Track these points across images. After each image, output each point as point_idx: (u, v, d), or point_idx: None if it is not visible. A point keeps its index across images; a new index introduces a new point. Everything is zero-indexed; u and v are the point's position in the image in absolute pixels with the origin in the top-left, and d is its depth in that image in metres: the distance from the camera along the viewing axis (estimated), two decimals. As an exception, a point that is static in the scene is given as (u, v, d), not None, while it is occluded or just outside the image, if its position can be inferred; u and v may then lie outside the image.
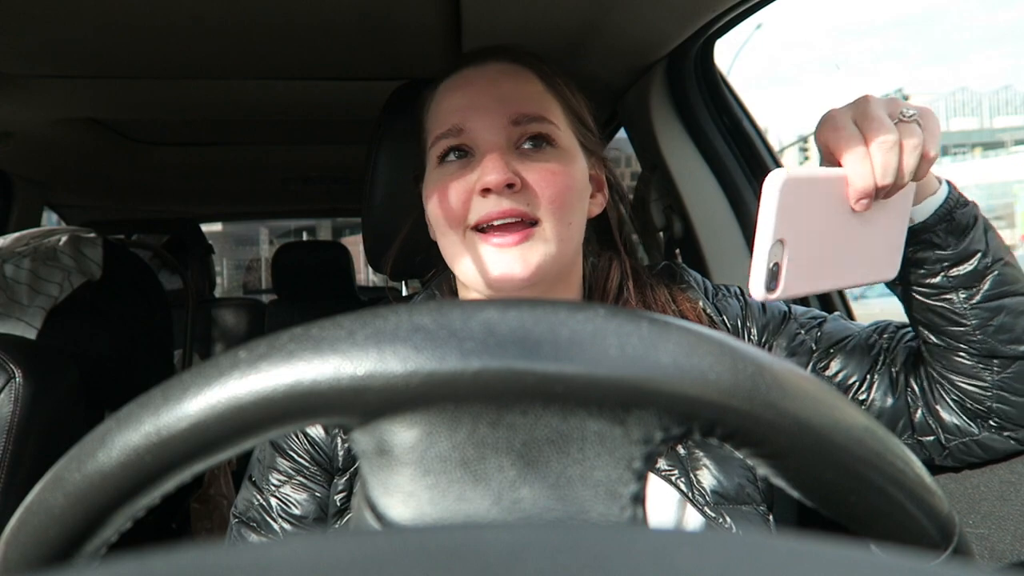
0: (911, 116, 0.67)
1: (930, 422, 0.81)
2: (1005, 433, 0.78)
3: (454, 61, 0.88)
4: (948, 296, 0.76)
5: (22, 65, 1.45)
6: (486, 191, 0.77)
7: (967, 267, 0.75)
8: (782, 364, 0.31)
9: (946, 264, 0.75)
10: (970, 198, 0.75)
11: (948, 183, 0.75)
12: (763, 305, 0.90)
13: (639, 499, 0.31)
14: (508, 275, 0.77)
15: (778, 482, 0.33)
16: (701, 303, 0.88)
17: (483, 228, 0.78)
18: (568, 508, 0.30)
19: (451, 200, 0.79)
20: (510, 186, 0.77)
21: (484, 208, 0.78)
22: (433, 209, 0.82)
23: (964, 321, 0.75)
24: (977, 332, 0.75)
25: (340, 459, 0.83)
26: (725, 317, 0.88)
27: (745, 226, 1.49)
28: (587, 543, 0.20)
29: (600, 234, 0.92)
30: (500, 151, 0.78)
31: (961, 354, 0.77)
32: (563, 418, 0.30)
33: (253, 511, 0.84)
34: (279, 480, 0.83)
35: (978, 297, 0.75)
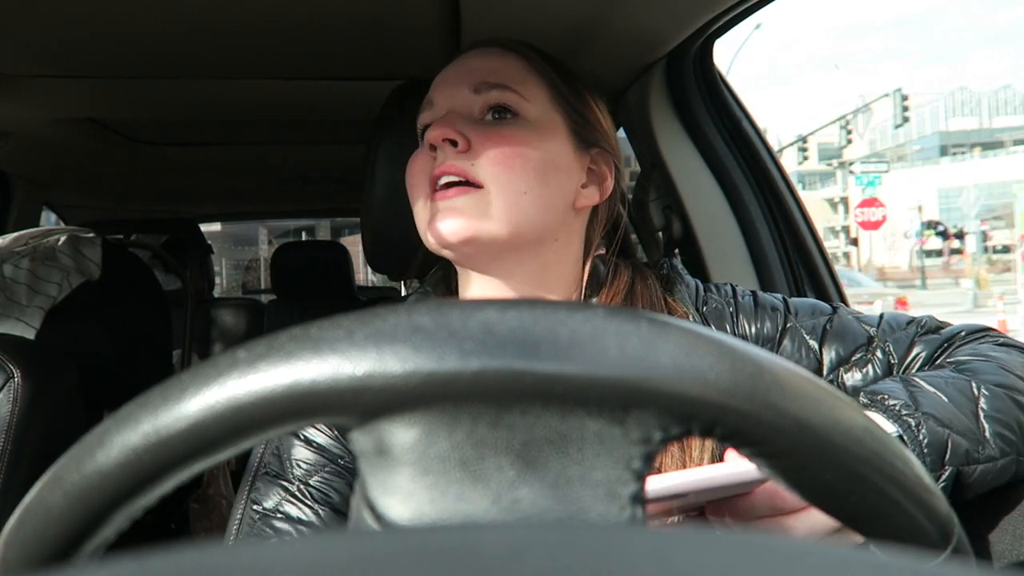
0: None
1: None
2: None
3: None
4: None
5: (21, 65, 1.45)
6: (432, 148, 0.78)
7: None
8: (782, 364, 0.31)
9: None
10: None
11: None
12: (757, 306, 0.88)
13: (638, 499, 0.31)
14: (444, 234, 0.77)
15: (778, 482, 0.33)
16: (689, 307, 0.87)
17: (436, 190, 0.79)
18: (567, 508, 0.30)
19: (415, 170, 0.81)
20: (454, 144, 0.77)
21: (432, 167, 0.78)
22: (407, 186, 0.83)
23: None
24: None
25: None
26: (712, 323, 0.87)
27: (744, 226, 1.49)
28: (586, 543, 0.20)
29: (605, 237, 0.92)
30: (450, 111, 0.80)
31: None
32: (562, 418, 0.30)
33: (283, 501, 0.79)
34: (309, 468, 0.80)
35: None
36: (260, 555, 0.20)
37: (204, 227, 3.90)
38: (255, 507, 0.81)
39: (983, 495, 0.75)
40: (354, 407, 0.29)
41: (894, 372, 0.82)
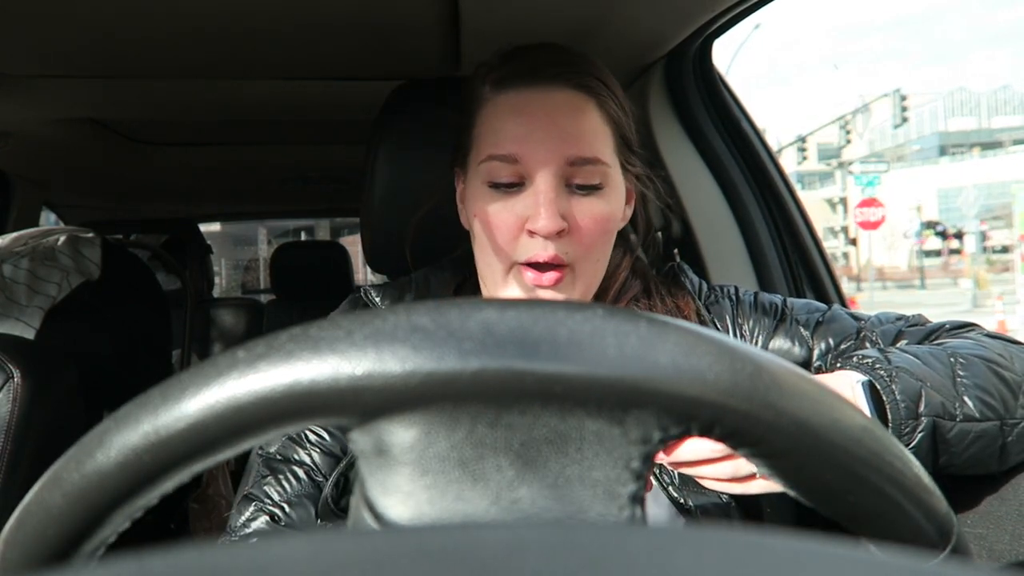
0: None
1: None
2: None
3: (512, 60, 0.84)
4: None
5: (20, 65, 1.45)
6: (534, 233, 0.79)
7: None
8: (781, 364, 0.31)
9: None
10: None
11: None
12: (757, 304, 0.90)
13: (637, 499, 0.31)
14: None
15: (777, 482, 0.33)
16: (694, 305, 0.89)
17: (524, 263, 0.81)
18: (566, 508, 0.30)
19: (502, 231, 0.81)
20: (559, 232, 0.78)
21: (531, 250, 0.79)
22: (480, 232, 0.83)
23: None
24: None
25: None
26: (715, 319, 0.89)
27: (743, 226, 1.49)
28: (585, 543, 0.20)
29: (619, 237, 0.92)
30: (554, 194, 0.79)
31: None
32: (561, 418, 0.30)
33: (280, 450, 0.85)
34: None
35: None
36: (260, 555, 0.20)
37: (203, 227, 3.90)
38: (260, 450, 0.86)
39: (982, 495, 0.76)
40: (353, 407, 0.29)
41: None
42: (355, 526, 0.32)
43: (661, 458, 0.61)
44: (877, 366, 0.69)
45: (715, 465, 0.61)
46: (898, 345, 0.78)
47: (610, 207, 0.82)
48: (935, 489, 0.35)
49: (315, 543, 0.20)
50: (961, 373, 0.71)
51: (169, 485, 0.31)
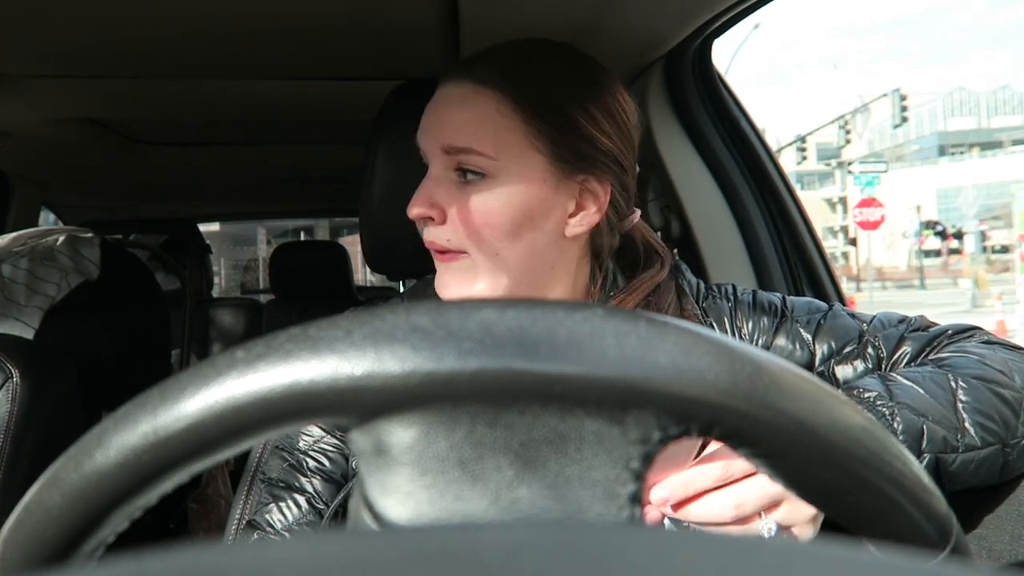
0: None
1: None
2: None
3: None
4: None
5: (20, 65, 1.45)
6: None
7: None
8: (780, 364, 0.31)
9: None
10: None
11: None
12: (756, 304, 0.89)
13: (637, 499, 0.31)
14: (443, 296, 0.83)
15: (776, 482, 0.33)
16: (692, 308, 0.88)
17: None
18: (566, 508, 0.30)
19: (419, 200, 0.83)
20: (430, 218, 0.80)
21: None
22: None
23: None
24: None
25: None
26: (713, 322, 0.88)
27: (743, 226, 1.49)
28: (585, 543, 0.20)
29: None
30: (431, 181, 0.81)
31: None
32: (561, 418, 0.30)
33: (284, 472, 0.86)
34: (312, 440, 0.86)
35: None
36: (259, 555, 0.20)
37: (203, 227, 3.90)
38: (263, 475, 0.88)
39: (981, 494, 0.76)
40: (353, 407, 0.29)
41: (882, 367, 0.83)
42: (354, 526, 0.32)
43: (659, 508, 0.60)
44: (879, 403, 0.70)
45: (708, 504, 0.60)
46: (899, 370, 0.77)
47: (496, 200, 0.79)
48: (935, 489, 0.35)
49: (315, 543, 0.20)
50: (963, 398, 0.71)
51: (168, 485, 0.31)
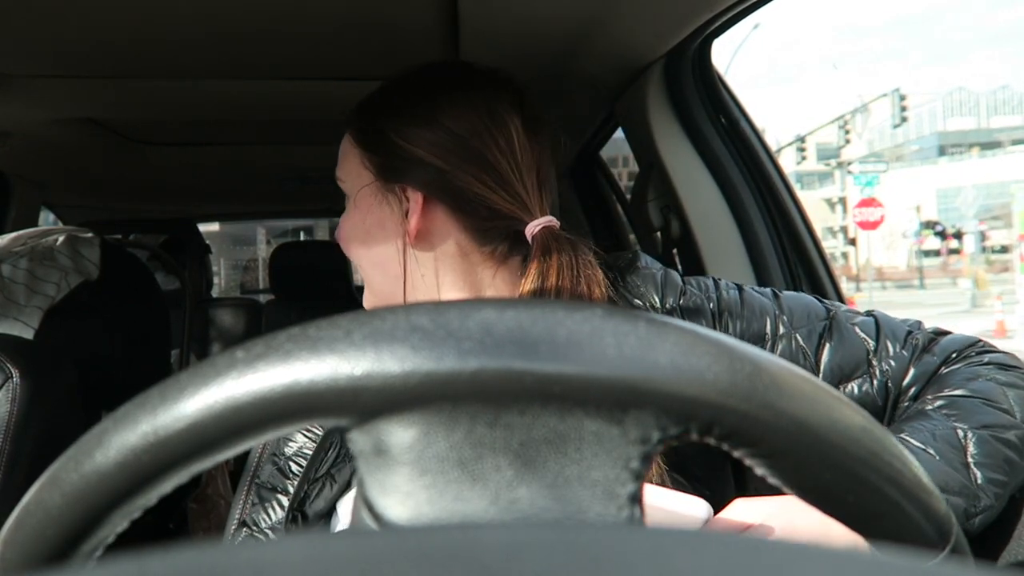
0: None
1: None
2: None
3: None
4: None
5: (19, 65, 1.45)
6: None
7: None
8: (780, 364, 0.31)
9: None
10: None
11: None
12: (744, 301, 0.85)
13: (636, 499, 0.31)
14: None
15: (776, 482, 0.33)
16: (651, 300, 0.85)
17: None
18: (565, 508, 0.30)
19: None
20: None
21: None
22: None
23: None
24: None
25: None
26: (685, 316, 0.83)
27: (742, 226, 1.49)
28: (585, 543, 0.20)
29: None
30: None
31: None
32: (560, 418, 0.30)
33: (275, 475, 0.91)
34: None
35: None
36: (258, 555, 0.20)
37: (202, 227, 3.91)
38: (256, 479, 0.94)
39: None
40: (352, 407, 0.29)
41: (888, 392, 0.82)
42: (354, 526, 0.32)
43: None
44: None
45: None
46: (907, 424, 0.76)
47: (350, 220, 0.93)
48: (934, 489, 0.35)
49: (314, 543, 0.20)
50: (972, 452, 0.72)
51: (168, 485, 0.31)
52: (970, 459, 0.72)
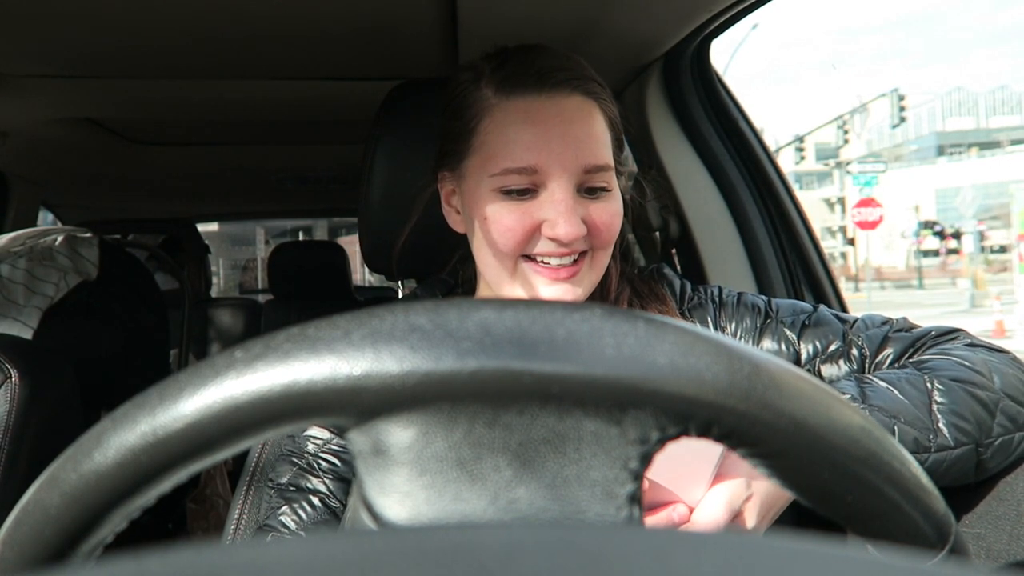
0: None
1: None
2: None
3: (511, 63, 0.84)
4: None
5: (18, 65, 1.44)
6: (553, 238, 0.80)
7: None
8: (778, 364, 0.31)
9: None
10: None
11: None
12: (741, 305, 0.90)
13: (635, 499, 0.31)
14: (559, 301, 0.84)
15: (775, 482, 0.33)
16: (675, 309, 0.90)
17: (535, 258, 0.82)
18: (564, 508, 0.30)
19: (515, 235, 0.81)
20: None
21: (546, 247, 0.81)
22: (488, 236, 0.83)
23: None
24: None
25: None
26: (696, 321, 0.89)
27: (741, 226, 1.49)
28: (584, 543, 0.20)
29: None
30: (572, 201, 0.80)
31: None
32: (559, 418, 0.30)
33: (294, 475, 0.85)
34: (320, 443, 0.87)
35: None
36: (258, 555, 0.20)
37: (201, 227, 3.90)
38: (271, 482, 0.87)
39: (979, 494, 0.76)
40: (351, 407, 0.29)
41: (866, 367, 0.84)
42: (353, 526, 0.32)
43: None
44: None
45: (706, 511, 0.64)
46: (877, 373, 0.79)
47: (618, 206, 0.84)
48: (933, 489, 0.35)
49: (313, 543, 0.20)
50: (938, 400, 0.73)
51: (167, 485, 0.31)
52: (934, 403, 0.73)
